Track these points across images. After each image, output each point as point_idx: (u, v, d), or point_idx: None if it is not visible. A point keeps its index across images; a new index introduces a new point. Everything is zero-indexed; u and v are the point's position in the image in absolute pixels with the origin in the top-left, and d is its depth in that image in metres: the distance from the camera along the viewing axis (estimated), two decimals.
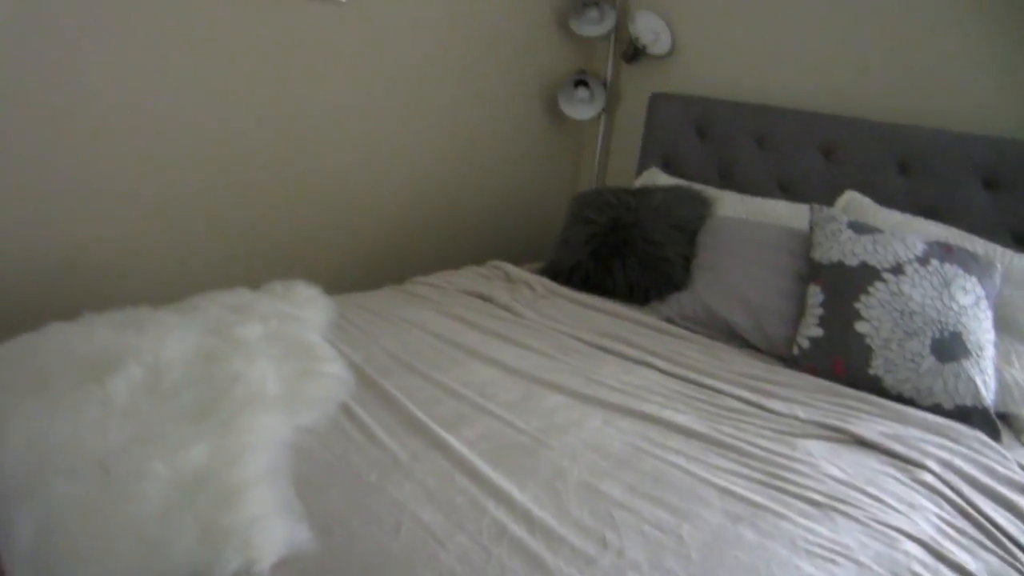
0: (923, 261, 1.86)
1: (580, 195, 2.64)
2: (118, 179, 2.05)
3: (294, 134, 2.40)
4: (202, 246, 2.28)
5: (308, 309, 1.89)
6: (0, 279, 1.90)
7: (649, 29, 2.99)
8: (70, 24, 1.86)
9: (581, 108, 3.14)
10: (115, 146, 2.02)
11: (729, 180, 2.78)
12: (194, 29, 2.09)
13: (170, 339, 1.55)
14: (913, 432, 1.60)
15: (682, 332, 2.12)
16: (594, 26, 3.04)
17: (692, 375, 1.80)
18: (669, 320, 2.22)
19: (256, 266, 2.42)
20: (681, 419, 1.57)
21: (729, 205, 2.56)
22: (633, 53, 3.08)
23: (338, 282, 2.64)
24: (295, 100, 2.37)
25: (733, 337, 2.12)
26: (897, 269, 1.85)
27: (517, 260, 2.97)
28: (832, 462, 1.45)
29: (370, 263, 2.77)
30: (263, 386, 1.44)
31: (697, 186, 2.63)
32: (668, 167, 2.94)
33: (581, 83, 3.14)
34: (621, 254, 2.38)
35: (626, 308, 2.26)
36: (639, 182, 2.85)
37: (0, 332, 1.90)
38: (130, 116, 2.02)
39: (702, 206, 2.51)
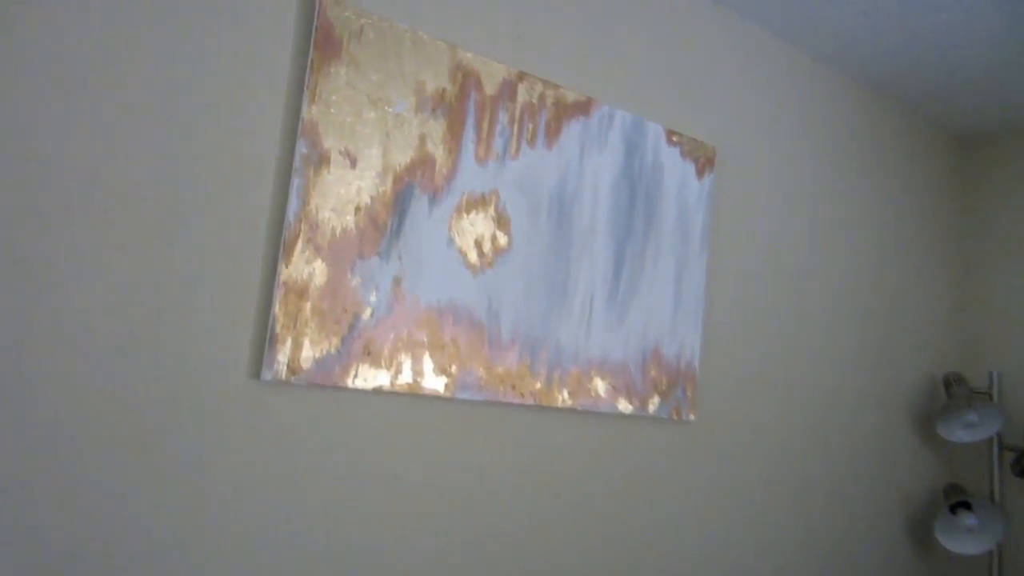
0: None
1: None
2: None
3: (622, 565, 1.70)
4: None
5: None
6: None
7: None
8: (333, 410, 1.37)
9: (966, 540, 2.27)
10: None
11: None
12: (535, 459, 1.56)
13: None
14: None
15: None
16: (969, 431, 2.30)
17: None
18: None
19: None
20: None
21: None
22: None
23: None
24: (627, 526, 1.71)
25: None
26: None
27: None
28: None
29: None
30: None
31: None
32: None
33: (961, 505, 2.31)
34: None
35: None
36: None
37: None
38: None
39: None
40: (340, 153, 1.31)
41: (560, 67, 1.65)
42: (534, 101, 1.57)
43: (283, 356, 1.24)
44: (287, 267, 1.25)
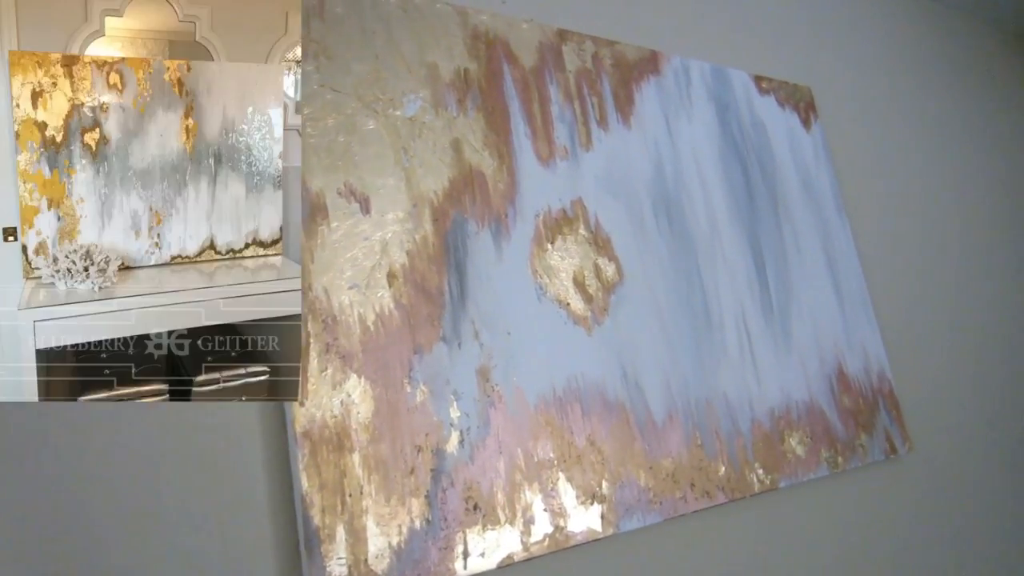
0: None
1: None
2: None
3: None
4: None
5: None
6: None
7: None
8: None
9: None
10: None
11: None
12: None
13: None
14: None
15: None
16: None
17: None
18: None
19: None
20: None
21: None
22: None
23: None
24: None
25: None
26: None
27: None
28: None
29: None
30: None
31: None
32: None
33: None
34: None
35: None
36: None
37: None
38: None
39: None
40: (339, 194, 0.76)
41: (599, 16, 1.13)
42: (588, 66, 1.04)
43: (339, 564, 0.65)
44: (303, 405, 0.68)
